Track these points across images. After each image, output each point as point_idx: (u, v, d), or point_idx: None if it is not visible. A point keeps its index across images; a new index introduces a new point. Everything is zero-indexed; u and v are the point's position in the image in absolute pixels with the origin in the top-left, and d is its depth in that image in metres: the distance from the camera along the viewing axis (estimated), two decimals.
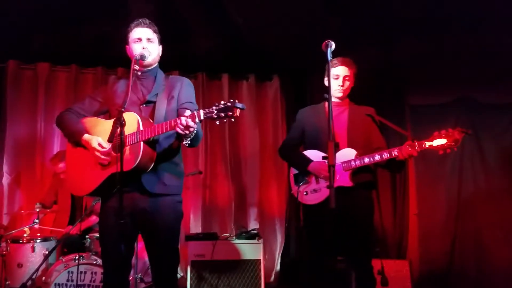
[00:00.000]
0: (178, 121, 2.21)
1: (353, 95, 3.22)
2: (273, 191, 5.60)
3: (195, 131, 2.27)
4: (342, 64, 3.08)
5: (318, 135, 3.09)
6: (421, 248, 4.91)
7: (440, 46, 4.60)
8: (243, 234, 4.76)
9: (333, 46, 2.42)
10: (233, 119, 2.16)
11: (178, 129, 2.23)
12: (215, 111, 2.15)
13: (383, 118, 3.16)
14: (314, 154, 3.09)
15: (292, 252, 5.43)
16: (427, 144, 2.76)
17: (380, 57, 4.76)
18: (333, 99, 3.13)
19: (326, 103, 3.17)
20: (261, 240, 4.67)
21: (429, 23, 4.33)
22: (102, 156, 2.41)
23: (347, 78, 3.09)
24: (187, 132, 2.22)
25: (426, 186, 4.99)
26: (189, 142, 2.35)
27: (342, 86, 3.09)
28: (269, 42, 4.95)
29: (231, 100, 2.15)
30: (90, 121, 2.58)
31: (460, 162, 4.96)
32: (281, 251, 5.43)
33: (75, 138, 2.55)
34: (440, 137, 2.73)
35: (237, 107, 2.13)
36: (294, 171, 3.25)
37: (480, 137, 4.91)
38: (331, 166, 2.22)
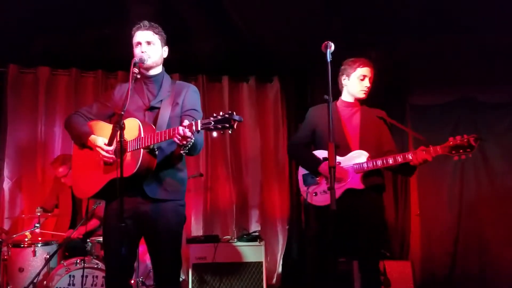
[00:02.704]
0: (176, 131, 2.22)
1: None
2: (274, 193, 5.58)
3: (192, 141, 2.27)
4: (368, 66, 3.07)
5: (328, 136, 3.04)
6: (424, 249, 4.90)
7: (441, 46, 4.59)
8: (245, 236, 4.76)
9: (333, 47, 2.43)
10: (230, 131, 2.16)
11: (175, 139, 2.23)
12: (213, 122, 2.15)
13: (391, 119, 3.14)
14: (324, 155, 3.04)
15: (294, 254, 5.42)
16: (442, 149, 2.74)
17: (381, 58, 4.73)
18: (348, 99, 3.14)
19: (337, 102, 3.17)
20: (262, 242, 4.66)
21: (430, 23, 4.33)
22: (107, 154, 2.41)
23: (371, 79, 3.08)
24: (184, 142, 2.23)
25: (427, 186, 4.98)
26: (187, 151, 2.35)
27: (368, 87, 3.08)
28: (269, 44, 4.95)
29: (229, 112, 2.15)
30: (97, 124, 2.60)
31: (462, 162, 4.91)
32: (283, 253, 5.41)
33: (81, 140, 2.56)
34: (455, 143, 2.72)
35: (234, 120, 2.13)
36: (302, 171, 3.19)
37: (481, 137, 4.89)
38: (332, 168, 2.21)
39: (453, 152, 2.73)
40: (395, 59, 4.83)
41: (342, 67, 3.13)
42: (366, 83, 3.07)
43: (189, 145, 2.30)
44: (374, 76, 3.11)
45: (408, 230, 5.01)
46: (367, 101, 3.20)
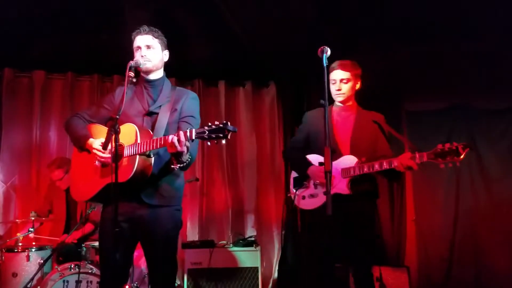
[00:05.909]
0: (169, 139, 2.22)
1: None
2: (270, 198, 5.58)
3: (185, 152, 2.26)
4: (339, 68, 3.03)
5: (320, 139, 2.98)
6: (420, 255, 4.90)
7: (436, 52, 4.61)
8: (241, 241, 4.75)
9: (329, 52, 2.43)
10: (224, 141, 2.16)
11: (168, 147, 2.23)
12: (207, 132, 2.16)
13: (389, 126, 3.11)
14: (315, 158, 3.04)
15: (289, 259, 5.39)
16: (428, 156, 2.70)
17: (377, 63, 4.75)
18: (338, 104, 3.11)
19: (333, 107, 3.14)
20: (258, 248, 4.65)
21: (426, 30, 4.35)
22: (103, 155, 2.40)
23: (344, 81, 3.02)
24: (174, 150, 2.22)
25: (423, 192, 4.98)
26: (183, 165, 2.34)
27: (340, 90, 3.03)
28: (266, 49, 4.96)
29: (224, 122, 2.16)
30: (96, 128, 2.60)
31: (458, 167, 4.94)
32: (278, 258, 5.40)
33: (80, 143, 2.56)
34: (443, 150, 2.66)
35: (228, 130, 2.14)
36: (294, 174, 3.21)
37: (477, 143, 4.91)
38: (328, 172, 2.21)
39: (440, 159, 2.65)
40: (391, 65, 4.85)
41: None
42: (337, 86, 3.02)
43: (187, 161, 2.32)
44: (355, 78, 3.04)
45: (404, 235, 5.00)
46: (361, 106, 3.17)
